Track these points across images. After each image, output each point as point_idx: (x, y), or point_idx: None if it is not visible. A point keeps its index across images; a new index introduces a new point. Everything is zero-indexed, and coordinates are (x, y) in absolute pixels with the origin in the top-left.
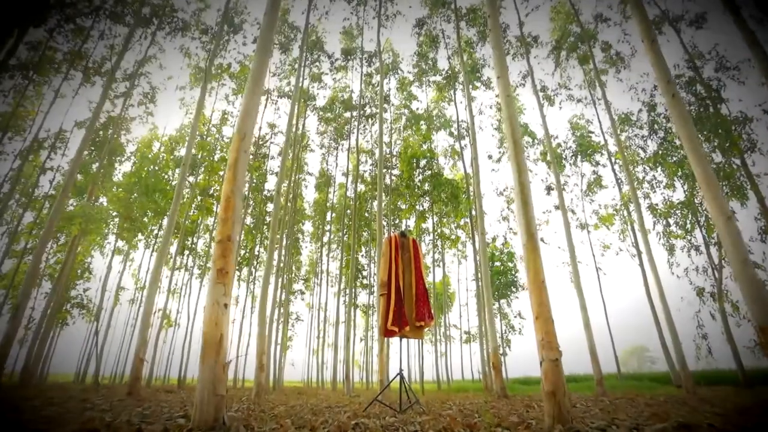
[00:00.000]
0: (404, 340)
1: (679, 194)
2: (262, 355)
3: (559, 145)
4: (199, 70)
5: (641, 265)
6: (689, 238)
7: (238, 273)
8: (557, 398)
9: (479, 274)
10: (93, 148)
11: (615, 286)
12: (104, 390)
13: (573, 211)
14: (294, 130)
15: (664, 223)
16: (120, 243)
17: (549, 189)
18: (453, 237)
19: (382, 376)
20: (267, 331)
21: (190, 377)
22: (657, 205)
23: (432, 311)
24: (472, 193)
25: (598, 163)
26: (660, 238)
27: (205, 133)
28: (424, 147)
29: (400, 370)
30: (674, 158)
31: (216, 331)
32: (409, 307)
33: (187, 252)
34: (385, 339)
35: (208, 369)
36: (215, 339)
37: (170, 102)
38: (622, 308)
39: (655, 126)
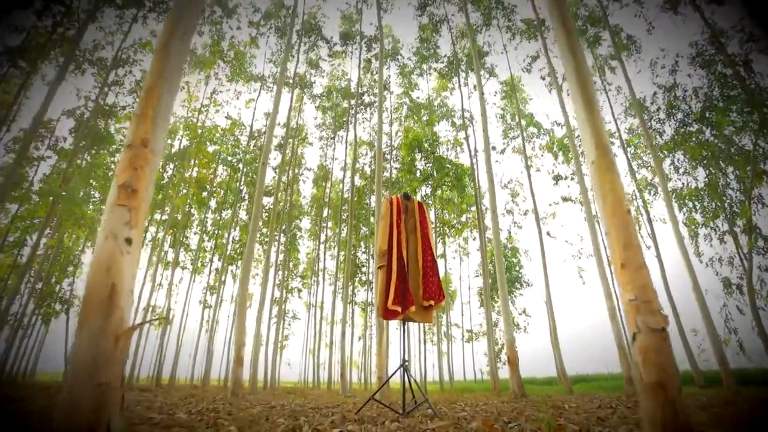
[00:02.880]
0: (407, 328)
1: (696, 184)
2: (241, 347)
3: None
4: (193, 54)
5: (658, 256)
6: (713, 225)
7: (232, 269)
8: (669, 394)
9: (486, 265)
10: (83, 142)
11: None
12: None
13: (582, 203)
14: (283, 116)
15: (690, 207)
16: None
17: (557, 179)
18: (458, 225)
19: (381, 372)
20: (246, 319)
21: (183, 377)
22: (681, 189)
23: (443, 289)
24: (478, 182)
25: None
26: (685, 227)
27: (195, 118)
28: (426, 131)
29: (403, 360)
30: (692, 142)
31: (106, 278)
32: (415, 283)
33: (181, 249)
34: (384, 330)
35: (88, 340)
36: (103, 291)
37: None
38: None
39: (673, 109)
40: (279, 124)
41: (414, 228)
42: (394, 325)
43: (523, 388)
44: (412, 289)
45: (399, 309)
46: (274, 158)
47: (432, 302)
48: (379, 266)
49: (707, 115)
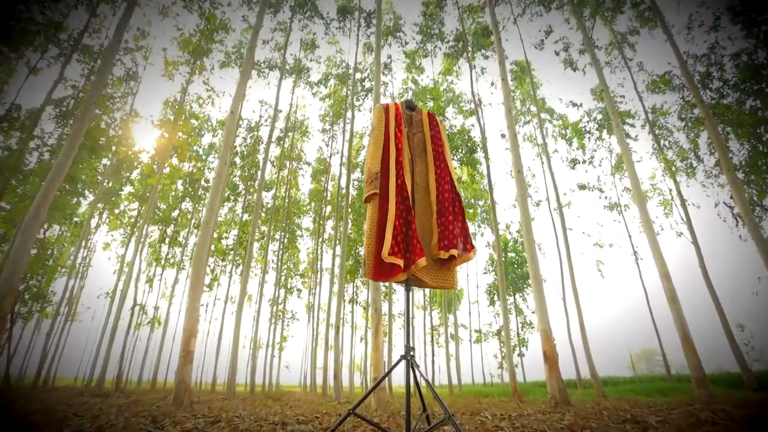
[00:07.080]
0: (412, 301)
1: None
2: (190, 339)
3: (587, 113)
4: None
5: (695, 242)
6: (763, 204)
7: (229, 268)
8: None
9: (501, 259)
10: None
11: (613, 283)
12: None
13: (601, 190)
14: (275, 104)
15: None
16: (107, 237)
17: (574, 162)
18: (470, 210)
19: (378, 372)
20: (198, 302)
21: (171, 380)
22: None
23: (470, 235)
24: (489, 174)
25: (628, 135)
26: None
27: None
28: (434, 106)
29: (407, 350)
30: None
31: None
32: (425, 224)
33: (176, 247)
34: (381, 318)
35: None
36: None
37: (162, 91)
38: (621, 308)
39: (711, 74)
40: (257, 97)
41: (422, 147)
42: (397, 324)
43: (566, 393)
44: (419, 233)
45: (400, 262)
46: (272, 152)
47: (454, 252)
48: (368, 195)
49: (749, 83)
